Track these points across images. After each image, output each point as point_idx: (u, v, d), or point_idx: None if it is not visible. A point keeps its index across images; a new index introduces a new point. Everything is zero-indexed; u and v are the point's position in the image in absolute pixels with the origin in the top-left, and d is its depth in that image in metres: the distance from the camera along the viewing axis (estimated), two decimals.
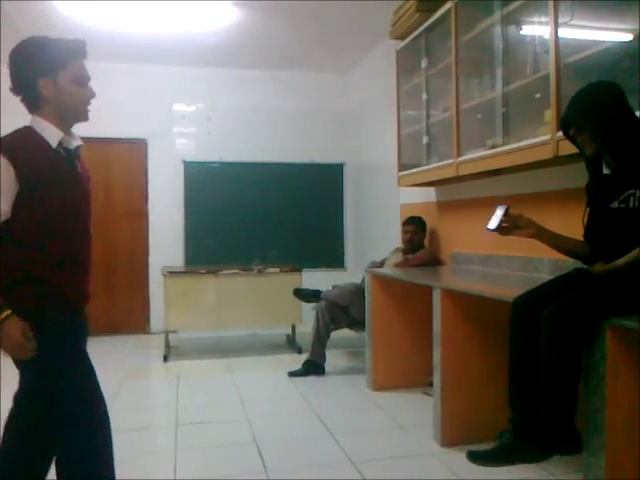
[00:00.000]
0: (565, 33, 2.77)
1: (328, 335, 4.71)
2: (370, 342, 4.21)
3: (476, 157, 3.54)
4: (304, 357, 4.80)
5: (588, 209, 2.29)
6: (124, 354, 5.60)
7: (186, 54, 6.07)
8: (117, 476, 2.80)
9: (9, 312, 1.73)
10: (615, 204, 2.12)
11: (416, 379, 4.07)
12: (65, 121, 1.90)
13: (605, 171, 2.20)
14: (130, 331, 6.48)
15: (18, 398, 1.99)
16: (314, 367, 4.65)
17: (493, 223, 2.28)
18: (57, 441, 1.96)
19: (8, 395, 2.03)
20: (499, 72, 3.36)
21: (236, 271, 5.49)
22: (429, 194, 4.82)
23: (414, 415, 3.60)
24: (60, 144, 1.87)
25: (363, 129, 6.54)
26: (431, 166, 4.18)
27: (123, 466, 2.93)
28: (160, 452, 3.17)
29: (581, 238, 2.32)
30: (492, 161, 3.38)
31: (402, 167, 4.68)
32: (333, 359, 4.91)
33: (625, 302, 1.92)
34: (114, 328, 6.45)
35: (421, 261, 4.49)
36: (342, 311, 4.74)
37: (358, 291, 4.67)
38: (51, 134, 1.85)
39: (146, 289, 6.63)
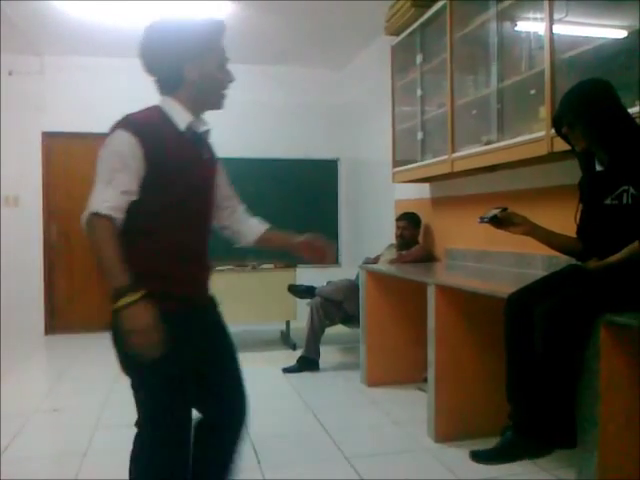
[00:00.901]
0: (560, 29, 2.77)
1: (322, 331, 4.71)
2: (364, 338, 4.22)
3: (471, 153, 3.54)
4: (298, 353, 4.80)
5: (581, 206, 2.29)
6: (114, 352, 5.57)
7: None
8: (116, 472, 2.81)
9: (143, 292, 1.57)
10: (608, 201, 2.12)
11: (410, 375, 4.08)
12: (199, 106, 1.81)
13: (598, 168, 2.21)
14: None
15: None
16: (308, 363, 4.65)
17: (487, 215, 2.27)
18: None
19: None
20: (494, 68, 3.36)
21: (230, 267, 5.47)
22: (424, 190, 4.82)
23: (408, 411, 3.60)
24: (188, 128, 1.77)
25: (358, 125, 6.53)
26: (426, 162, 4.17)
27: (120, 462, 2.94)
28: None
29: (574, 234, 2.32)
30: (487, 157, 3.38)
31: (397, 163, 4.68)
32: (327, 355, 4.91)
33: (619, 298, 1.92)
34: (107, 325, 6.41)
35: (415, 257, 4.49)
36: (336, 307, 4.74)
37: (352, 287, 4.67)
38: (180, 117, 1.75)
39: None
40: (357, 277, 4.58)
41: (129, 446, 3.21)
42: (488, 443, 2.79)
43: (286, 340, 5.71)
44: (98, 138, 6.71)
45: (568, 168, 2.88)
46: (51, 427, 3.64)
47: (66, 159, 6.41)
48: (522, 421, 2.14)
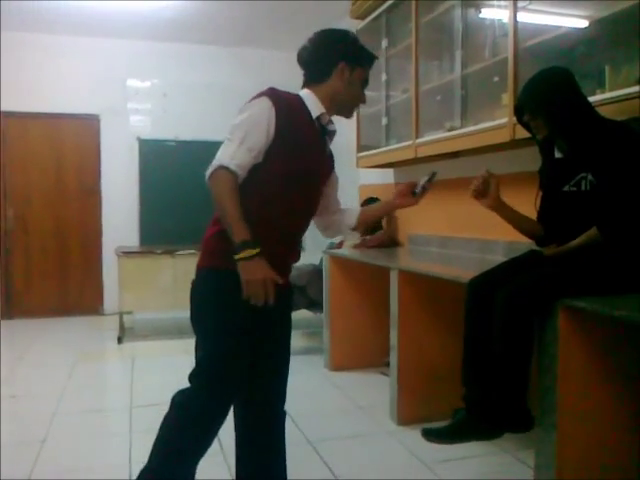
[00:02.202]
0: (524, 17, 2.79)
1: None
2: (328, 323, 4.23)
3: (434, 139, 3.56)
4: None
5: (541, 192, 2.33)
6: (77, 336, 5.49)
7: (141, 28, 5.90)
8: (72, 459, 2.78)
9: (260, 250, 1.69)
10: (567, 187, 2.16)
11: (373, 359, 4.12)
12: (332, 106, 1.94)
13: (557, 155, 2.24)
14: (83, 312, 6.36)
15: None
16: None
17: (419, 186, 2.23)
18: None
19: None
20: (458, 54, 3.38)
21: (192, 251, 5.39)
22: (388, 175, 4.83)
23: (371, 395, 3.64)
24: (318, 119, 1.91)
25: None
26: (390, 147, 4.18)
27: (77, 449, 2.90)
28: (115, 435, 3.13)
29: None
30: (450, 143, 3.40)
31: (361, 148, 4.68)
32: (291, 340, 4.90)
33: (578, 283, 1.96)
34: (66, 309, 6.32)
35: (379, 242, 4.51)
36: (300, 292, 4.73)
37: (316, 272, 4.67)
38: (313, 106, 1.91)
39: (99, 269, 6.50)
40: (321, 262, 4.58)
41: (89, 433, 3.19)
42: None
43: None
44: (56, 118, 6.56)
45: (530, 155, 2.92)
46: (9, 414, 3.55)
47: (24, 140, 6.21)
48: (474, 403, 2.19)
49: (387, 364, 3.42)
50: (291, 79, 7.60)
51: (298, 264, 5.16)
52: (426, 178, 2.19)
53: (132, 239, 6.20)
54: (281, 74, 6.84)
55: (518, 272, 2.15)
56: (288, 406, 3.42)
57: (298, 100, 1.91)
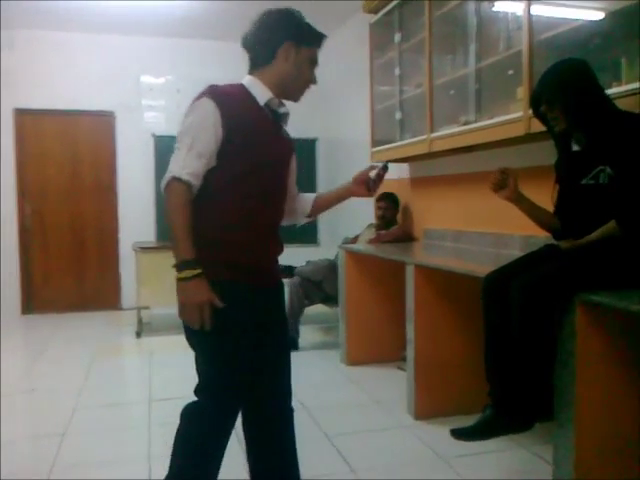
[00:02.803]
0: (538, 10, 2.77)
1: (302, 311, 4.72)
2: (344, 317, 4.24)
3: (449, 133, 3.55)
4: None
5: (557, 187, 2.32)
6: (95, 330, 5.55)
7: (154, 25, 5.93)
8: (92, 453, 2.82)
9: (201, 271, 1.67)
10: (585, 181, 2.15)
11: (390, 354, 4.12)
12: (280, 90, 1.86)
13: (575, 148, 2.22)
14: (101, 307, 6.42)
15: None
16: None
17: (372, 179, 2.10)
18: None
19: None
20: (472, 48, 3.36)
21: None
22: (402, 170, 4.83)
23: (387, 389, 3.65)
24: (267, 105, 1.84)
25: (336, 104, 6.49)
26: (404, 142, 4.18)
27: (96, 442, 2.94)
28: (133, 428, 3.17)
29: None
30: (465, 137, 3.39)
31: (375, 143, 4.68)
32: (307, 334, 4.94)
33: (596, 277, 1.95)
34: (84, 304, 6.39)
35: (394, 237, 4.51)
36: (316, 287, 4.75)
37: (332, 267, 4.68)
38: (260, 92, 1.83)
39: (117, 265, 6.56)
40: (336, 257, 4.60)
41: (108, 426, 3.23)
42: (466, 420, 2.85)
43: None
44: (71, 115, 6.62)
45: (545, 149, 2.90)
46: (29, 408, 3.62)
47: (39, 137, 6.27)
48: (500, 399, 2.19)
49: (403, 358, 3.43)
50: None
51: (314, 259, 5.21)
52: (379, 168, 2.09)
53: (148, 234, 6.25)
54: None
55: (535, 266, 2.14)
56: (305, 400, 3.47)
57: (242, 90, 1.83)
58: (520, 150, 3.28)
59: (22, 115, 6.19)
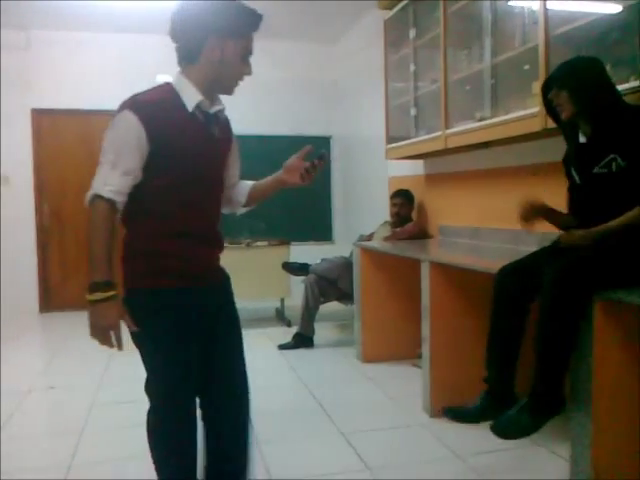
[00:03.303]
0: (554, 4, 2.75)
1: (317, 308, 4.73)
2: (359, 315, 4.24)
3: (464, 130, 3.53)
4: (293, 330, 4.82)
5: (568, 182, 2.31)
6: None
7: (169, 24, 5.94)
8: (112, 449, 2.84)
9: (114, 293, 1.65)
10: (597, 169, 2.13)
11: (405, 351, 4.11)
12: (210, 87, 1.76)
13: (581, 139, 2.22)
14: None
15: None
16: (303, 340, 4.68)
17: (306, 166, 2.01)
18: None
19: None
20: (487, 43, 3.34)
21: (225, 245, 5.46)
22: (417, 167, 4.81)
23: (403, 386, 3.64)
24: (197, 107, 1.73)
25: (351, 101, 6.49)
26: (419, 139, 4.16)
27: (114, 439, 2.97)
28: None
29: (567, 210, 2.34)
30: (480, 134, 3.37)
31: (390, 140, 4.66)
32: (322, 332, 4.94)
33: (620, 271, 1.94)
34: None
35: (409, 234, 4.49)
36: (331, 284, 4.75)
37: (347, 264, 4.68)
38: (190, 96, 1.71)
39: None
40: (351, 254, 4.59)
41: (125, 423, 3.26)
42: None
43: (281, 317, 5.74)
44: (88, 115, 6.68)
45: (562, 144, 2.88)
46: (47, 405, 3.66)
47: (56, 136, 6.33)
48: (496, 386, 2.29)
49: (419, 356, 3.42)
50: (318, 71, 7.64)
51: (329, 257, 5.20)
52: (316, 158, 1.98)
53: None
54: (309, 67, 6.88)
55: (549, 260, 2.13)
56: (320, 398, 3.48)
57: (169, 95, 1.71)
58: (536, 145, 3.25)
59: (40, 115, 6.26)
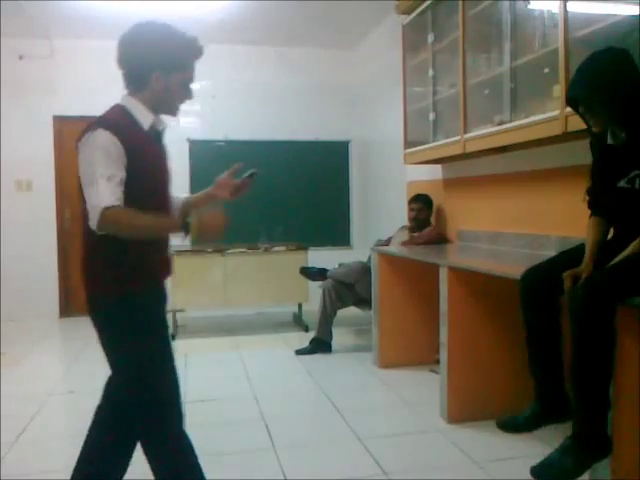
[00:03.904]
0: (574, 7, 2.72)
1: (335, 313, 4.72)
2: (377, 320, 4.22)
3: (483, 134, 3.50)
4: (311, 335, 4.82)
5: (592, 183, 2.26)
6: None
7: (189, 31, 5.98)
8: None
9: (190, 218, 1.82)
10: (621, 183, 2.07)
11: (423, 357, 4.09)
12: (157, 109, 1.93)
13: (609, 141, 2.12)
14: None
15: (107, 389, 2.12)
16: (321, 345, 4.67)
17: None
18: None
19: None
20: (507, 47, 3.31)
21: (243, 250, 5.49)
22: (436, 171, 4.79)
23: (421, 392, 3.61)
24: (151, 126, 1.91)
25: (369, 106, 6.48)
26: (438, 143, 4.14)
27: None
28: None
29: (586, 215, 2.30)
30: (499, 138, 3.34)
31: (408, 144, 4.65)
32: (340, 337, 4.93)
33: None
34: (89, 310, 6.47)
35: (427, 239, 4.47)
36: (348, 289, 4.74)
37: (364, 269, 4.67)
38: (143, 116, 1.88)
39: None
40: (369, 259, 4.58)
41: None
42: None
43: (298, 322, 5.74)
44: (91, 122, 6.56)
45: (583, 148, 2.84)
46: (68, 409, 3.69)
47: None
48: (546, 391, 2.24)
49: (437, 361, 3.39)
50: (337, 76, 7.66)
51: (346, 262, 5.21)
52: (245, 175, 2.15)
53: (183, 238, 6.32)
54: (327, 72, 6.89)
55: (571, 264, 2.10)
56: (338, 403, 3.47)
57: (127, 117, 1.86)
58: (557, 149, 3.22)
59: (61, 122, 6.34)
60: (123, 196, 1.75)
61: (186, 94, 1.96)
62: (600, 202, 2.24)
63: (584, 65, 2.10)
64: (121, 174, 1.75)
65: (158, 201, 1.93)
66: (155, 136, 1.95)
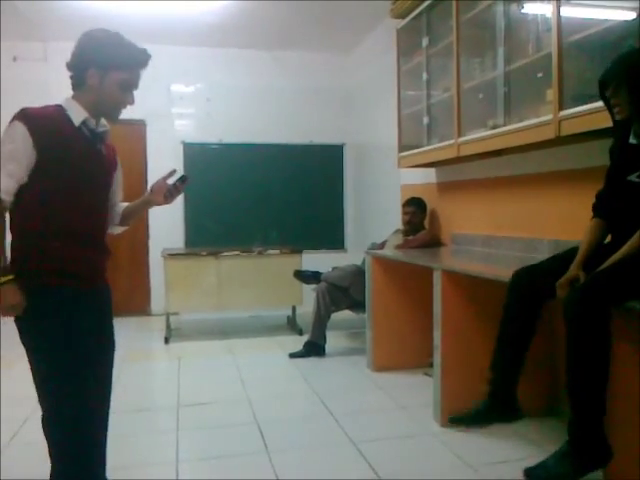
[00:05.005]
0: (567, 11, 2.74)
1: (328, 316, 4.72)
2: (370, 323, 4.22)
3: (477, 137, 3.51)
4: (305, 338, 4.82)
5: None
6: (125, 336, 5.59)
7: (184, 34, 6.01)
8: (120, 457, 2.83)
9: (12, 277, 1.80)
10: (633, 177, 2.08)
11: (416, 360, 4.09)
12: (95, 111, 1.95)
13: (632, 140, 2.12)
14: (131, 313, 6.49)
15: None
16: (315, 348, 4.67)
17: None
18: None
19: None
20: (501, 51, 3.33)
21: (236, 253, 5.48)
22: (430, 175, 4.80)
23: (414, 395, 3.61)
24: (85, 124, 1.92)
25: (364, 109, 6.50)
26: (432, 147, 4.15)
27: (125, 447, 2.97)
28: (162, 433, 3.19)
29: (582, 218, 2.31)
30: (493, 141, 3.36)
31: (402, 148, 4.66)
32: (334, 340, 4.93)
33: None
34: (115, 310, 6.40)
35: (421, 242, 4.48)
36: (342, 293, 4.74)
37: (359, 272, 4.67)
38: (76, 113, 1.91)
39: (146, 271, 6.65)
40: (363, 262, 4.58)
41: (136, 431, 3.26)
42: (493, 427, 2.82)
43: (292, 325, 5.73)
44: None
45: (576, 152, 2.86)
46: None
47: None
48: (499, 389, 2.37)
49: (430, 364, 3.40)
50: (331, 80, 7.65)
51: (341, 265, 5.20)
52: (176, 178, 2.17)
53: (177, 241, 6.31)
54: (322, 75, 6.90)
55: (564, 267, 2.11)
56: (331, 406, 3.47)
57: (57, 112, 1.90)
58: (550, 153, 3.23)
59: None
60: (16, 187, 1.80)
61: (125, 97, 1.96)
62: (606, 204, 2.25)
63: (621, 55, 2.14)
64: (16, 168, 1.79)
65: (77, 201, 1.91)
66: (92, 137, 1.96)
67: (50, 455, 1.95)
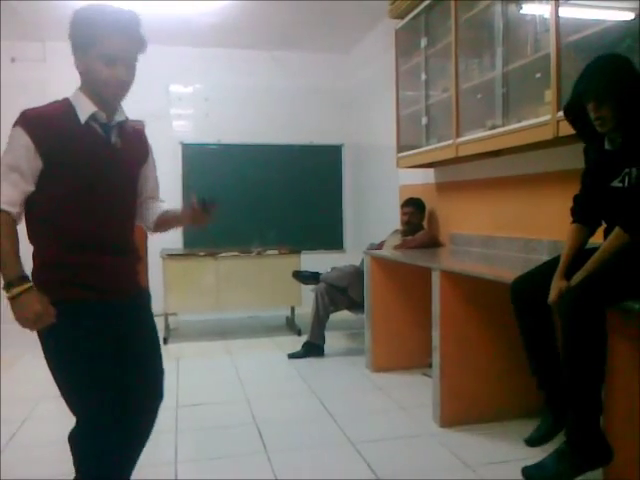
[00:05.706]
0: (566, 12, 2.74)
1: (327, 317, 4.72)
2: (369, 324, 4.22)
3: (476, 138, 3.52)
4: (303, 339, 4.82)
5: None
6: None
7: (183, 34, 6.00)
8: None
9: (30, 285, 1.65)
10: (614, 183, 2.09)
11: (415, 360, 4.09)
12: (100, 101, 1.78)
13: (607, 147, 2.13)
14: None
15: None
16: (313, 349, 4.67)
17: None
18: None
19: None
20: (499, 52, 3.33)
21: (235, 253, 5.48)
22: (428, 175, 4.80)
23: (413, 396, 3.62)
24: (94, 119, 1.78)
25: (363, 110, 6.50)
26: (430, 147, 4.15)
27: None
28: (161, 433, 3.17)
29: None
30: (492, 142, 3.36)
31: (401, 148, 4.66)
32: (332, 341, 4.93)
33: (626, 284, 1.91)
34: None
35: (420, 243, 4.48)
36: (341, 293, 4.74)
37: (357, 273, 4.67)
38: (83, 108, 1.76)
39: (145, 271, 6.63)
40: (362, 263, 4.58)
41: None
42: (492, 427, 2.82)
43: (291, 326, 5.73)
44: None
45: (574, 152, 2.85)
46: (58, 412, 3.65)
47: None
48: (551, 389, 2.24)
49: (430, 365, 3.40)
50: (330, 80, 7.65)
51: (339, 265, 5.20)
52: (208, 200, 1.96)
53: (176, 242, 6.31)
54: (321, 76, 6.90)
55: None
56: (330, 407, 3.46)
57: (63, 109, 1.77)
58: (548, 154, 3.24)
59: None
60: (22, 197, 1.69)
61: (113, 72, 1.73)
62: (585, 209, 2.25)
63: (592, 67, 2.10)
64: (20, 177, 1.67)
65: (91, 204, 1.77)
66: (105, 131, 1.80)
67: (77, 470, 1.92)
